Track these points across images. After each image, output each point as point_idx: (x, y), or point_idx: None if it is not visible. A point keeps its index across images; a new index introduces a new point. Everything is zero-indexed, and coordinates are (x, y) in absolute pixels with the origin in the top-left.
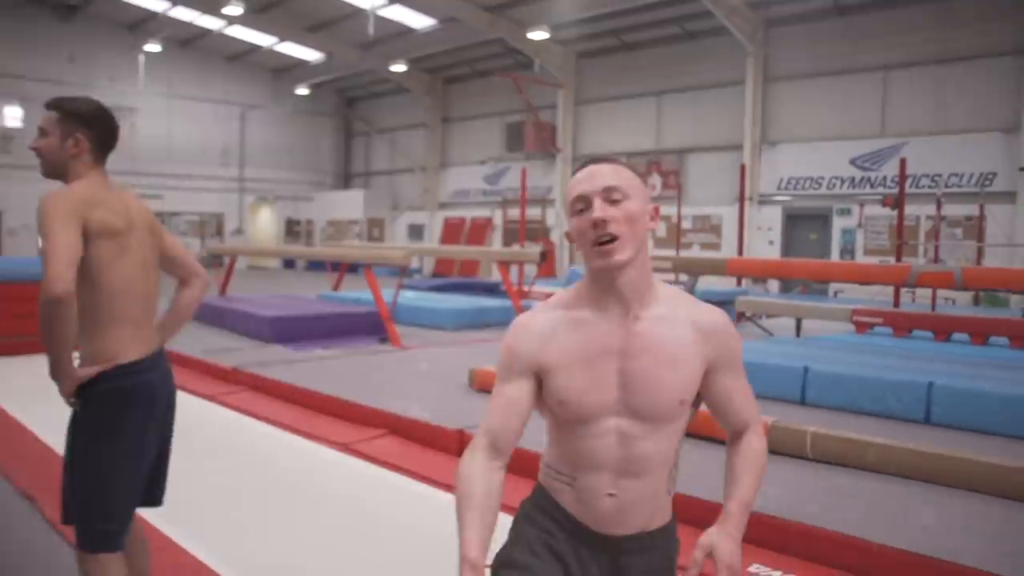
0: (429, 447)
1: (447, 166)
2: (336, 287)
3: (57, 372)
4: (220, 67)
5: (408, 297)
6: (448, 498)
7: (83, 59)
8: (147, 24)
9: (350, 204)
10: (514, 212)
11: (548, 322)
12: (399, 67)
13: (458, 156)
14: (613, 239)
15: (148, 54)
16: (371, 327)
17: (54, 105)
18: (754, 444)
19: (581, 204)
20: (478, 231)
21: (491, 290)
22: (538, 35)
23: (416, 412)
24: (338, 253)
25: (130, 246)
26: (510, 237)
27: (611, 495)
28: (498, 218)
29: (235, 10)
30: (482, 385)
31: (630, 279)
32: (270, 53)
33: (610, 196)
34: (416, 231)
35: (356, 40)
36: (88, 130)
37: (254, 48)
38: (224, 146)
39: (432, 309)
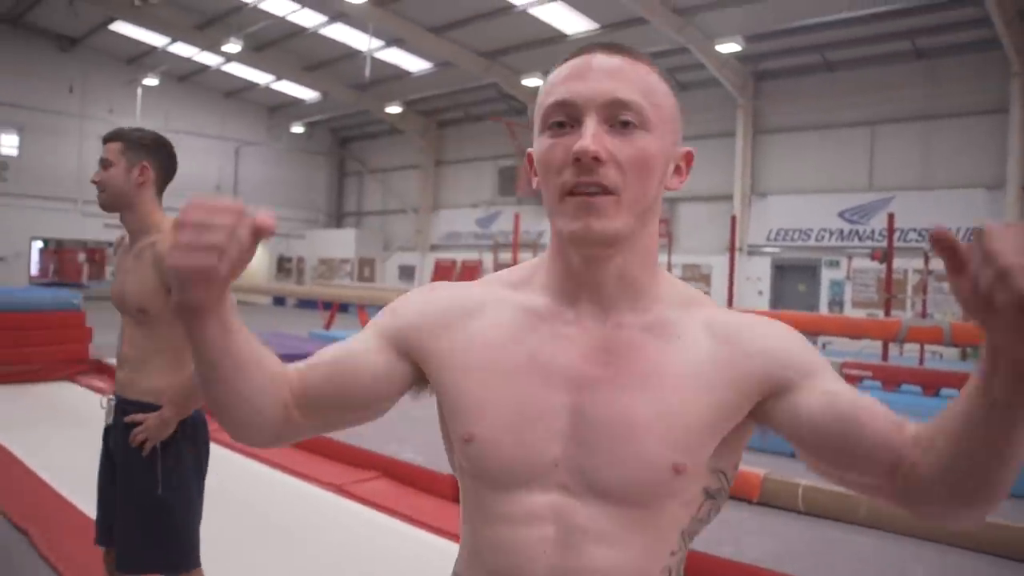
0: (423, 491)
1: (439, 208)
2: (328, 326)
3: (187, 402)
4: (217, 103)
5: None
6: (441, 543)
7: (82, 90)
8: (146, 58)
9: (342, 243)
10: (505, 256)
11: (468, 298)
12: (394, 109)
13: (450, 198)
14: (604, 191)
15: (146, 87)
16: None
17: (116, 136)
18: None
19: (561, 115)
20: (469, 274)
21: None
22: (532, 81)
23: (409, 455)
24: (333, 293)
25: None
26: None
27: None
28: (488, 261)
29: (234, 48)
30: None
31: (618, 267)
32: (266, 91)
33: (617, 116)
34: (407, 272)
35: (352, 81)
36: (153, 159)
37: (251, 85)
38: (218, 181)
39: None
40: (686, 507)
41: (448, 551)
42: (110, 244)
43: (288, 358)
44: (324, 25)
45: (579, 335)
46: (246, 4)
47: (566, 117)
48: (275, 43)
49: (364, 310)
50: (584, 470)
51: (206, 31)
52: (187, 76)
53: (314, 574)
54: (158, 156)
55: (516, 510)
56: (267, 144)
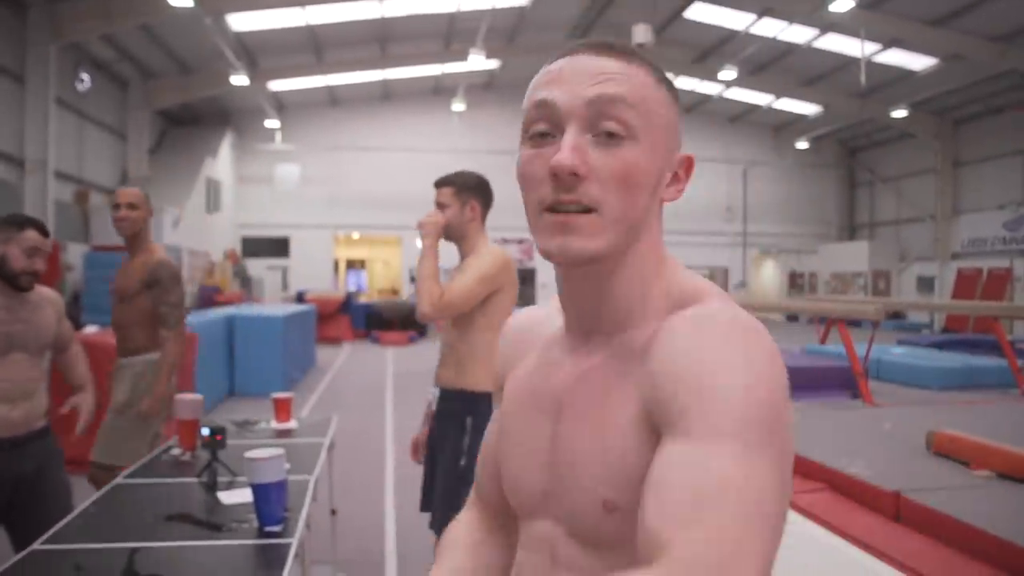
0: (865, 506)
1: (959, 213)
2: (823, 340)
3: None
4: (723, 128)
5: (897, 354)
6: (866, 561)
7: None
8: None
9: (854, 256)
10: None
11: (536, 325)
12: (900, 112)
13: (972, 201)
14: (584, 209)
15: None
16: (844, 383)
17: (446, 181)
18: None
19: (542, 123)
20: (996, 283)
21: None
22: None
23: (856, 470)
24: (807, 306)
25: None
26: None
27: None
28: (1021, 268)
29: (730, 74)
30: (940, 448)
31: (605, 287)
32: (768, 111)
33: (601, 122)
34: (926, 283)
35: (853, 89)
36: (478, 198)
37: (753, 107)
38: (728, 202)
39: (916, 367)
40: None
41: (869, 568)
42: None
43: None
44: (815, 38)
45: (567, 360)
46: (737, 32)
47: (548, 125)
48: (770, 64)
49: (845, 325)
50: (560, 503)
51: (703, 63)
52: (693, 107)
53: None
54: (482, 194)
55: (527, 536)
56: (774, 162)
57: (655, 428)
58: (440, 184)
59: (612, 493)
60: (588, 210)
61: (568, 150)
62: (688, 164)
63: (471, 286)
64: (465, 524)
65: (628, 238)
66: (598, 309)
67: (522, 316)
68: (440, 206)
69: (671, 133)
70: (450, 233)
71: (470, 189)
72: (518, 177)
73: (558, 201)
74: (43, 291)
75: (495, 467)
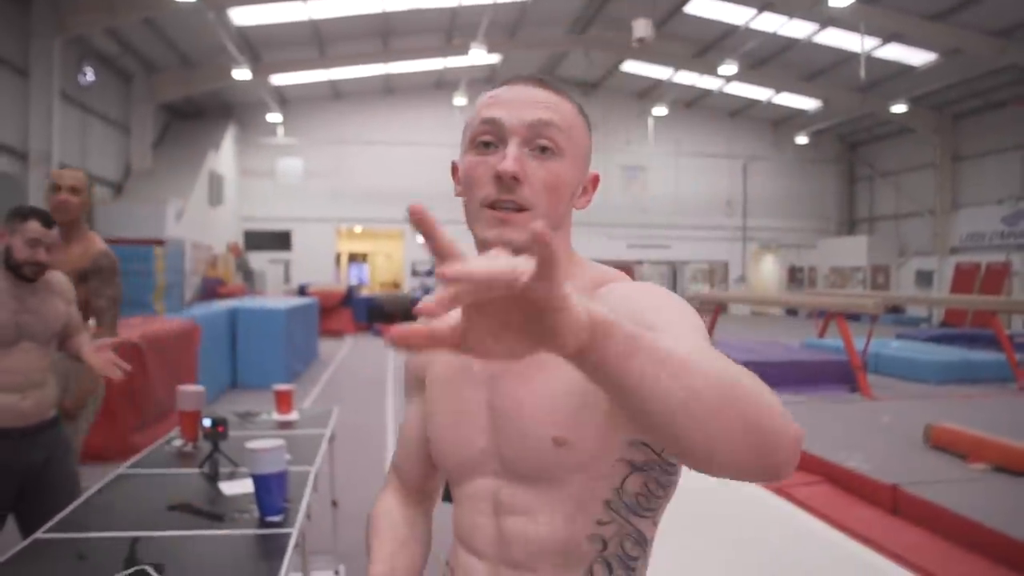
0: (863, 499)
1: (958, 207)
2: (821, 334)
3: None
4: (723, 123)
5: (895, 348)
6: (863, 553)
7: (604, 127)
8: (654, 91)
9: (853, 251)
10: None
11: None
12: (899, 107)
13: (971, 196)
14: (519, 208)
15: (656, 117)
16: (843, 376)
17: None
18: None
19: (488, 135)
20: (993, 278)
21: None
22: None
23: (854, 463)
24: (806, 301)
25: None
26: None
27: None
28: (1018, 263)
29: (730, 69)
30: (938, 442)
31: None
32: (768, 106)
33: (537, 140)
34: (924, 278)
35: (852, 84)
36: None
37: (753, 102)
38: (728, 197)
39: (914, 361)
40: (601, 480)
41: (867, 562)
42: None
43: (774, 365)
44: (815, 33)
45: None
46: (737, 26)
47: (493, 137)
48: (770, 58)
49: (844, 319)
50: (500, 455)
51: (704, 57)
52: (693, 102)
53: (740, 565)
54: None
55: (467, 494)
56: (774, 157)
57: None
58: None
59: (561, 430)
60: (521, 208)
61: (512, 159)
62: (595, 181)
63: None
64: (393, 499)
65: (553, 229)
66: None
67: None
68: None
69: (587, 155)
70: None
71: None
72: (463, 177)
73: (499, 200)
74: (52, 278)
75: (419, 448)
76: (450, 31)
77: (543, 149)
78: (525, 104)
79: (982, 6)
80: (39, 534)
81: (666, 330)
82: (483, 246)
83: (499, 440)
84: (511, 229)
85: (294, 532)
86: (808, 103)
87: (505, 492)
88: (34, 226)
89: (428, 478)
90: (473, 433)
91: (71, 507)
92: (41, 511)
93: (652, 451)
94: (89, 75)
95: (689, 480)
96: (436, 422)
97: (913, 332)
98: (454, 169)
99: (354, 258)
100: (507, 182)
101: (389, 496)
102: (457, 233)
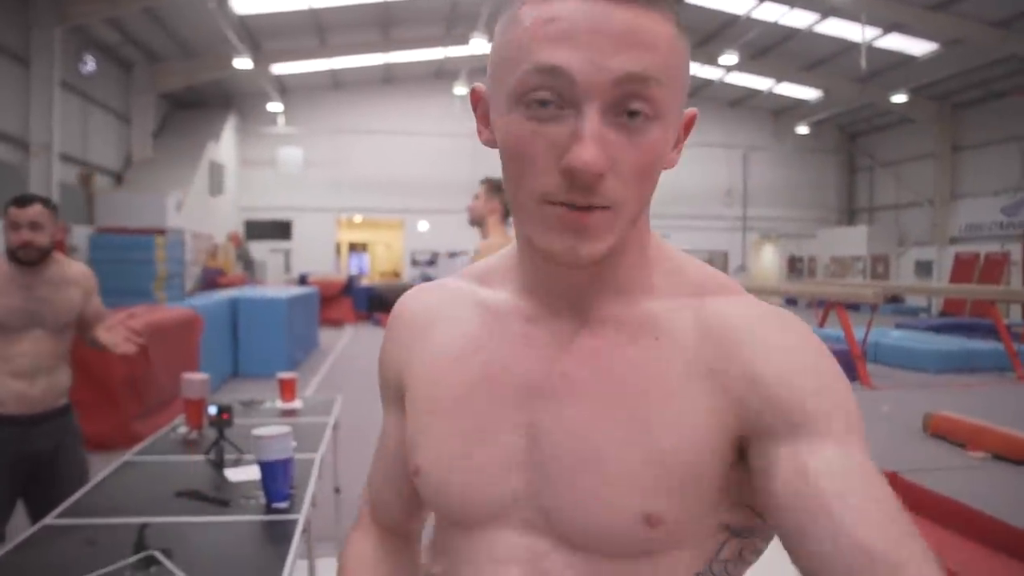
0: None
1: (958, 198)
2: (821, 324)
3: None
4: (723, 113)
5: (895, 337)
6: None
7: None
8: None
9: (853, 240)
10: None
11: (433, 304)
12: (900, 97)
13: (971, 186)
14: (600, 207)
15: None
16: (843, 366)
17: (485, 180)
18: None
19: (547, 91)
20: (992, 268)
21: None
22: None
23: None
24: (806, 290)
25: None
26: None
27: None
28: (1017, 253)
29: (731, 59)
30: (937, 431)
31: (603, 268)
32: (769, 96)
33: (627, 103)
34: (924, 268)
35: (853, 74)
36: (498, 197)
37: (754, 92)
38: (728, 187)
39: (914, 350)
40: (695, 551)
41: None
42: None
43: None
44: (817, 23)
45: (539, 335)
46: (738, 16)
47: (553, 95)
48: (771, 48)
49: (843, 308)
50: (546, 508)
51: (704, 47)
52: (693, 91)
53: None
54: (501, 193)
55: (483, 551)
56: (774, 147)
57: (729, 428)
58: (482, 182)
59: (655, 504)
60: (603, 207)
61: (593, 147)
62: (690, 122)
63: None
64: (366, 542)
65: (633, 224)
66: (594, 282)
67: (420, 295)
68: (475, 197)
69: (686, 90)
70: (472, 219)
71: (495, 187)
72: (507, 153)
73: (570, 200)
74: (71, 269)
75: (399, 477)
76: (451, 20)
77: (632, 113)
78: (608, 41)
79: None
80: (48, 519)
81: (822, 433)
82: (543, 257)
83: (546, 487)
84: (588, 240)
85: (300, 518)
86: (809, 93)
87: (555, 561)
88: (11, 210)
89: (412, 516)
90: (500, 467)
91: (79, 493)
92: (50, 497)
93: (754, 513)
94: (90, 64)
95: None
96: (432, 447)
97: (912, 322)
98: (474, 99)
99: (354, 248)
100: (586, 181)
101: (361, 538)
102: (458, 223)
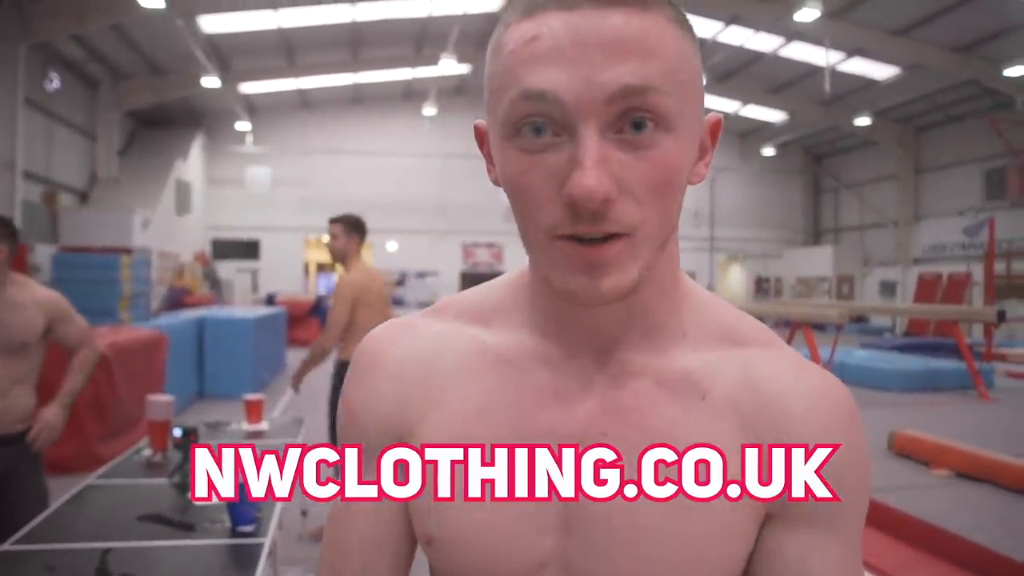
0: None
1: (921, 219)
2: (788, 343)
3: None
4: None
5: (859, 357)
6: None
7: None
8: None
9: (819, 261)
10: (1003, 267)
11: (425, 351)
12: (863, 120)
13: (933, 207)
14: (614, 236)
15: None
16: None
17: (338, 219)
18: None
19: (534, 118)
20: (955, 288)
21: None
22: (1017, 71)
23: None
24: (773, 310)
25: (371, 303)
26: (1006, 293)
27: None
28: (978, 273)
29: None
30: (901, 449)
31: (627, 303)
32: (735, 118)
33: (630, 115)
34: (888, 288)
35: (818, 97)
36: (357, 233)
37: (721, 114)
38: (696, 208)
39: (878, 370)
40: None
41: None
42: None
43: None
44: (782, 47)
45: (568, 386)
46: (705, 39)
47: (546, 121)
48: (737, 71)
49: (810, 328)
50: (576, 574)
51: None
52: None
53: None
54: (359, 231)
55: None
56: (741, 169)
57: (760, 510)
58: (331, 220)
59: None
60: (617, 236)
61: (594, 171)
62: (716, 128)
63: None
64: None
65: (660, 250)
66: (622, 323)
67: (400, 340)
68: (332, 235)
69: (701, 95)
70: (335, 257)
71: (352, 225)
72: (509, 189)
73: (579, 232)
74: (34, 292)
75: (396, 543)
76: (420, 41)
77: (639, 125)
78: (598, 53)
79: (944, 22)
80: (6, 546)
81: (837, 529)
82: (562, 297)
83: (579, 556)
84: (606, 274)
85: (267, 542)
86: (774, 115)
87: None
88: None
89: None
90: (531, 531)
91: (39, 519)
92: (7, 524)
93: None
94: (55, 81)
95: None
96: (453, 514)
97: (877, 341)
98: (479, 136)
99: (323, 268)
100: (592, 209)
101: None
102: (445, 245)
